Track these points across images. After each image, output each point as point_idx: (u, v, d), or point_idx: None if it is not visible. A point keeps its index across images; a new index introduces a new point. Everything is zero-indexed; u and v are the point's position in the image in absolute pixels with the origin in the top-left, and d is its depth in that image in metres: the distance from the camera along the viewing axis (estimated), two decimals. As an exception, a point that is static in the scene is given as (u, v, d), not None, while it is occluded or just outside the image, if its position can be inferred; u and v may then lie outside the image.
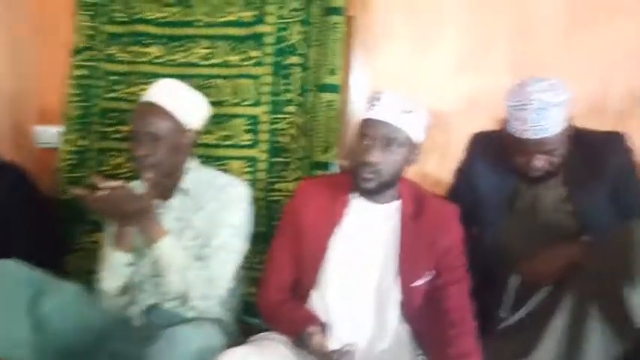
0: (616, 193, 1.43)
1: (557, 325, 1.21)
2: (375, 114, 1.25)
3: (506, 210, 1.50)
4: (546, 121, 1.33)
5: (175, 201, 1.42)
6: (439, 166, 1.78)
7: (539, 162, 1.40)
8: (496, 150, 1.50)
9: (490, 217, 1.52)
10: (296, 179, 1.65)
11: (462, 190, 1.60)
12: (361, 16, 1.73)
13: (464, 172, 1.61)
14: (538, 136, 1.35)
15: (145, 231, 1.32)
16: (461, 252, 1.31)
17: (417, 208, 1.32)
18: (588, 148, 1.43)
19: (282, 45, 1.69)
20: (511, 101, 1.39)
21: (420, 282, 1.28)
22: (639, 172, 1.46)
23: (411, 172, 1.78)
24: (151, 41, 1.76)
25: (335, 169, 1.67)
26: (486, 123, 1.60)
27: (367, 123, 1.26)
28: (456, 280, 1.28)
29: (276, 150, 1.70)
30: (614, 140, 1.45)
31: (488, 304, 1.44)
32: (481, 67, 1.72)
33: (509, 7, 1.68)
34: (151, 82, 1.44)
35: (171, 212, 1.41)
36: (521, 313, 1.38)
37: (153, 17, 1.76)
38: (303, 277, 1.32)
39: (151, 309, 1.38)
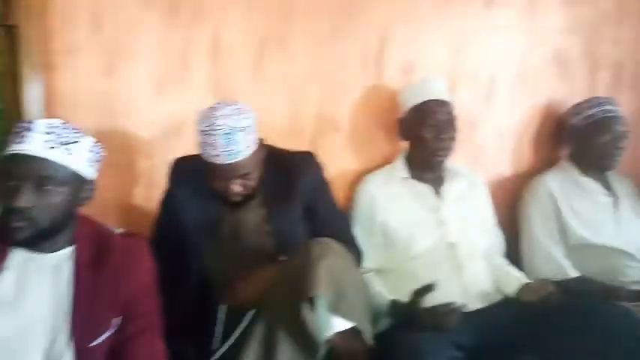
0: (310, 210, 1.51)
1: (251, 354, 1.18)
2: (21, 148, 1.03)
3: (211, 237, 1.45)
4: (235, 145, 1.31)
5: None
6: (145, 197, 1.62)
7: (236, 186, 1.38)
8: (198, 175, 1.43)
9: (196, 247, 1.44)
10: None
11: (167, 220, 1.50)
12: (30, 27, 1.45)
13: (167, 202, 1.51)
14: (229, 161, 1.33)
15: None
16: (151, 295, 1.18)
17: (98, 252, 1.14)
18: (283, 168, 1.48)
19: None
20: (200, 126, 1.33)
21: (100, 339, 1.10)
22: (330, 189, 1.59)
23: (114, 206, 1.60)
24: None
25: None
26: (192, 147, 1.51)
27: (11, 159, 1.03)
28: (144, 329, 1.14)
29: None
30: (305, 159, 1.53)
31: (203, 338, 1.37)
32: (182, 88, 1.63)
33: (204, 26, 1.62)
34: None
35: None
36: (229, 343, 1.34)
37: None
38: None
39: None
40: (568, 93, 2.01)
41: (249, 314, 1.33)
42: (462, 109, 1.90)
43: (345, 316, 1.16)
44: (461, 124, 1.82)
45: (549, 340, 1.41)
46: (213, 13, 1.63)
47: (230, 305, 1.38)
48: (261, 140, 1.42)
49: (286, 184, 1.47)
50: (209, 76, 1.64)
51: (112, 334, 1.11)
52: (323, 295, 1.14)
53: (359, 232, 1.65)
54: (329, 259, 1.18)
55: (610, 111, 1.82)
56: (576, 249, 1.77)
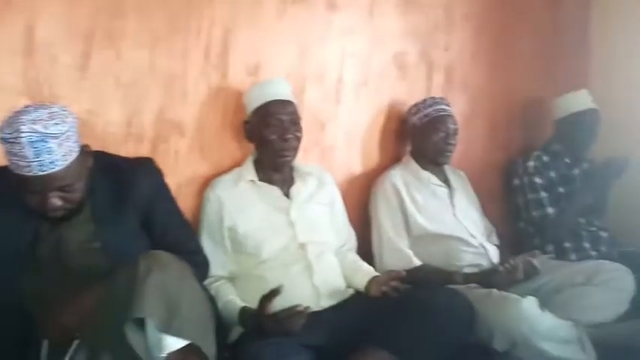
0: (148, 222, 1.39)
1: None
2: None
3: (28, 261, 1.27)
4: (48, 154, 1.16)
5: None
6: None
7: (55, 200, 1.22)
8: (7, 190, 1.23)
9: (9, 274, 1.25)
10: None
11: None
12: None
13: (-31, 223, 1.29)
14: (43, 173, 1.17)
15: None
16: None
17: None
18: (115, 177, 1.35)
19: None
20: (2, 133, 1.15)
21: None
22: (171, 197, 1.48)
23: None
24: None
25: None
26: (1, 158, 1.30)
27: None
28: None
29: None
30: (140, 166, 1.41)
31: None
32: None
33: (14, 16, 1.40)
34: None
35: None
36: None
37: None
38: None
39: None
40: (408, 93, 2.14)
41: (75, 344, 1.19)
42: (311, 110, 1.92)
43: (179, 333, 1.08)
44: (310, 125, 1.83)
45: (395, 331, 1.46)
46: (25, 1, 1.42)
47: (53, 337, 1.21)
48: (85, 147, 1.28)
49: (119, 194, 1.34)
50: (21, 75, 1.43)
51: None
52: (152, 313, 1.04)
53: (207, 239, 1.58)
54: (158, 273, 1.08)
55: (443, 110, 1.98)
56: (419, 238, 1.88)
